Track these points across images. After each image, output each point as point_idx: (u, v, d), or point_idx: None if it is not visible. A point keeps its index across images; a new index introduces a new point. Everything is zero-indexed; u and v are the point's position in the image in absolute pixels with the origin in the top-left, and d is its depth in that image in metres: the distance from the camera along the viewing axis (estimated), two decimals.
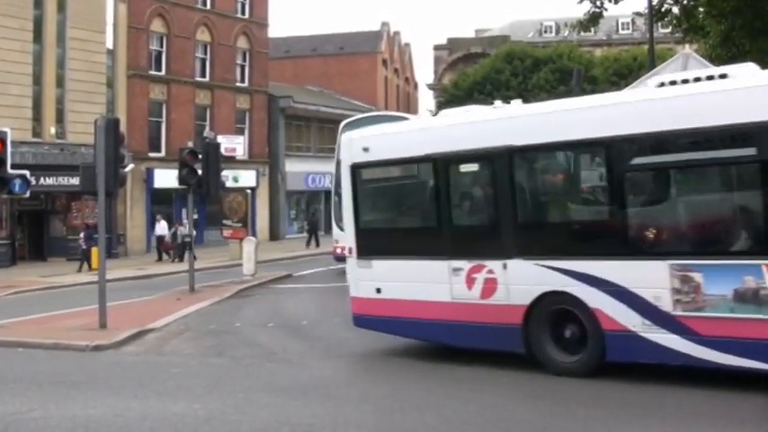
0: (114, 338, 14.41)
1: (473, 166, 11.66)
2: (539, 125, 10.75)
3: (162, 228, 34.23)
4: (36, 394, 10.48)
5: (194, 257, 31.04)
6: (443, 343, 11.78)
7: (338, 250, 25.28)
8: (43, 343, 14.47)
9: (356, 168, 12.46)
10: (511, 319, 10.61)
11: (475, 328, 10.98)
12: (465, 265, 11.09)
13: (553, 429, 8.10)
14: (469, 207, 11.97)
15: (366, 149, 12.23)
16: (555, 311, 10.41)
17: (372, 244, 12.30)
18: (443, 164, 11.48)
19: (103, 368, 12.39)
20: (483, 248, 11.05)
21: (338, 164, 25.78)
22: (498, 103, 12.88)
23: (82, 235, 30.38)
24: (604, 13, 22.03)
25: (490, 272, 10.85)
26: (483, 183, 11.58)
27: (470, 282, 11.04)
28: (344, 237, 25.00)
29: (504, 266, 10.71)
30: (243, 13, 45.32)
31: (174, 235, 33.44)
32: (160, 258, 33.41)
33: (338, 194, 25.96)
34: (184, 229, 32.52)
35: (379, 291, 12.02)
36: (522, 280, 10.58)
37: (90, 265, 28.76)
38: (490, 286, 10.86)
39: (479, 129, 11.35)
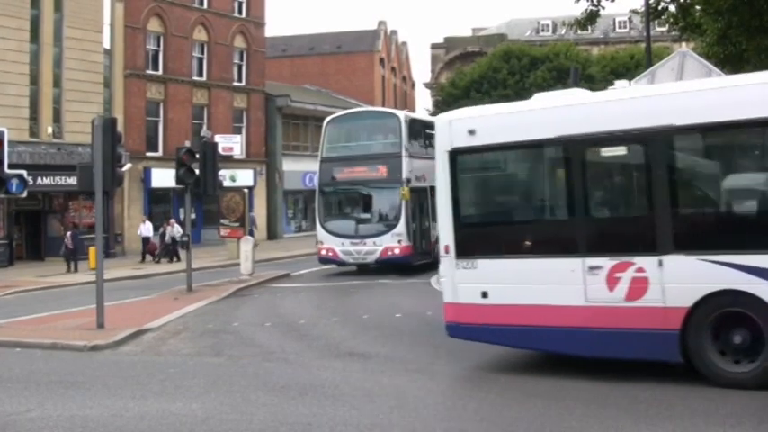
0: (112, 338, 14.41)
1: (619, 149, 10.29)
2: (714, 102, 9.41)
3: (147, 229, 33.88)
4: (34, 394, 10.47)
5: (178, 258, 31.13)
6: (571, 353, 10.33)
7: (323, 252, 25.09)
8: (41, 343, 14.48)
9: (457, 154, 10.92)
10: (666, 324, 9.37)
11: (616, 335, 9.71)
12: (605, 262, 9.79)
13: (552, 428, 8.10)
14: (612, 196, 10.73)
15: (472, 132, 10.76)
16: (722, 314, 9.21)
17: (477, 241, 10.90)
18: (578, 147, 10.19)
19: (101, 368, 12.38)
20: (630, 243, 9.85)
21: (322, 161, 25.67)
22: (621, 83, 11.59)
23: (68, 234, 30.20)
24: (601, 12, 22.04)
25: (639, 270, 9.59)
26: (632, 168, 10.37)
27: (612, 282, 9.74)
28: (329, 238, 25.13)
29: (659, 263, 9.45)
30: (240, 12, 45.32)
31: (163, 235, 33.25)
32: (143, 260, 33.04)
33: (322, 192, 25.79)
34: (173, 230, 32.39)
35: (485, 295, 10.55)
36: (682, 278, 9.34)
37: (75, 266, 28.69)
38: (639, 286, 9.59)
39: (629, 107, 10.04)
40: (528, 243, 10.73)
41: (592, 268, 9.86)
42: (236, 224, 31.21)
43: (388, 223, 24.32)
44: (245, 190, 38.64)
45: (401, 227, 23.85)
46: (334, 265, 25.81)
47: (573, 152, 10.27)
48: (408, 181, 24.05)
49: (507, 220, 11.27)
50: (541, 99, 11.20)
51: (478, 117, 11.25)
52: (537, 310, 10.18)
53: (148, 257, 33.21)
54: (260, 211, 44.79)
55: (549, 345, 10.46)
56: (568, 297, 9.98)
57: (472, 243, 10.84)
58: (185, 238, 22.47)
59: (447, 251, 10.90)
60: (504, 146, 10.87)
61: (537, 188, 11.31)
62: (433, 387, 10.01)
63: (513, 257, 10.58)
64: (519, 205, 11.45)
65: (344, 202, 26.18)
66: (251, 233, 39.08)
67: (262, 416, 8.92)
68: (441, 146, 11.16)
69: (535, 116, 10.73)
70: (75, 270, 28.87)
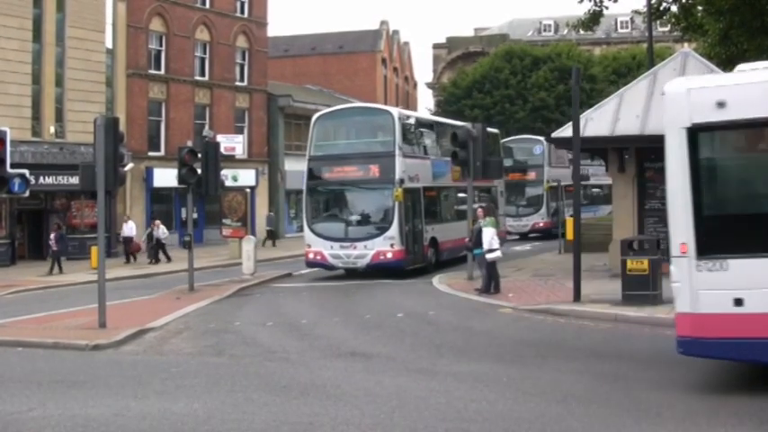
0: (114, 338, 14.42)
1: None
2: None
3: (129, 229, 33.47)
4: (35, 393, 10.48)
5: (169, 259, 31.00)
6: None
7: (310, 255, 23.95)
8: (43, 342, 14.49)
9: (699, 131, 9.04)
10: None
11: None
12: None
13: (553, 428, 8.11)
14: None
15: (721, 104, 8.86)
16: None
17: (729, 237, 9.10)
18: None
19: (103, 367, 12.39)
20: None
21: (310, 160, 24.72)
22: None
23: (53, 236, 29.95)
24: (603, 12, 22.11)
25: None
26: None
27: None
28: (316, 240, 23.59)
29: None
30: (242, 12, 45.31)
31: (150, 236, 33.00)
32: (128, 261, 32.21)
33: (310, 192, 24.58)
34: (158, 230, 32.21)
35: (739, 303, 8.76)
36: None
37: (60, 267, 28.46)
38: None
39: None
40: None
41: None
42: (238, 224, 31.17)
43: (380, 226, 23.21)
44: (247, 190, 38.79)
45: (394, 230, 22.69)
46: (314, 270, 25.03)
47: None
48: (402, 181, 22.99)
49: None
50: None
51: (731, 85, 9.32)
52: None
53: (132, 258, 32.69)
54: (262, 211, 44.82)
55: None
56: None
57: (721, 239, 9.06)
58: (187, 238, 22.45)
59: (684, 251, 9.01)
60: None
61: None
62: (435, 387, 10.01)
63: None
64: None
65: (333, 202, 25.05)
66: (271, 233, 39.31)
67: (263, 415, 8.93)
68: (674, 121, 9.19)
69: None
70: (60, 271, 28.33)
